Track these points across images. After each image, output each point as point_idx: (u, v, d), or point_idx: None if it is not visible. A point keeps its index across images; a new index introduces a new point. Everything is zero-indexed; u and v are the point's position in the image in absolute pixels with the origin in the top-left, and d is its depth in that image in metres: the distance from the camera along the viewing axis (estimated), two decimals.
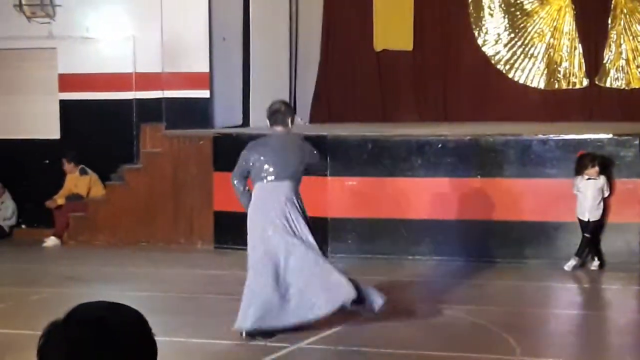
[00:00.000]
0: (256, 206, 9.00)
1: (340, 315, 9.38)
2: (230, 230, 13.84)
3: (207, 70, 15.21)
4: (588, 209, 11.93)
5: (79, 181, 15.08)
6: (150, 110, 15.19)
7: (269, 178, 8.96)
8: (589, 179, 11.90)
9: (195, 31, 15.15)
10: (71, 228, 14.85)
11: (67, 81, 15.57)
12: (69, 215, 14.87)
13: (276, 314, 8.65)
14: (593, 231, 11.94)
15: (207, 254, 13.75)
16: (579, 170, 11.97)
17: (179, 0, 15.17)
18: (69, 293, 11.10)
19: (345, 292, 8.76)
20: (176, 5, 15.12)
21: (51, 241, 14.69)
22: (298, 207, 8.95)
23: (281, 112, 9.20)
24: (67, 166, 15.09)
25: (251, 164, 9.05)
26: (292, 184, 9.02)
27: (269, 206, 8.90)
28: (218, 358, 8.31)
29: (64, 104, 15.66)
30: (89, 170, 15.10)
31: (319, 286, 8.73)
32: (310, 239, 8.88)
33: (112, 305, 2.27)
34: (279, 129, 9.16)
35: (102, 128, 15.32)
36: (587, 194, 11.91)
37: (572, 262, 11.82)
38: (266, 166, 8.97)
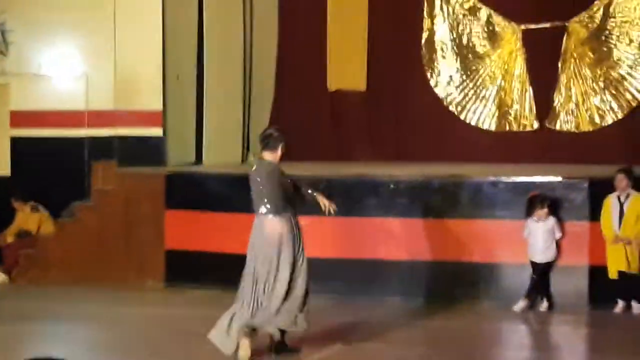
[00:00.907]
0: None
1: (294, 356, 9.38)
2: (182, 269, 13.81)
3: (160, 108, 15.20)
4: (539, 251, 12.05)
5: (29, 218, 14.97)
6: (103, 147, 15.13)
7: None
8: (538, 220, 12.04)
9: (149, 69, 15.14)
10: (21, 265, 14.71)
11: (19, 118, 15.49)
12: (18, 253, 14.73)
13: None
14: (543, 272, 12.04)
15: (158, 292, 13.68)
16: (529, 212, 12.11)
17: (133, 38, 15.15)
18: (16, 331, 10.99)
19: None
20: (129, 44, 15.11)
21: (0, 278, 14.54)
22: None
23: (272, 137, 9.52)
24: (16, 204, 14.98)
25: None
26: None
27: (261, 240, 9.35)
28: None
29: (15, 140, 15.56)
30: (41, 208, 14.99)
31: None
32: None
33: None
34: (265, 154, 9.45)
35: (54, 165, 15.23)
36: (537, 236, 12.04)
37: (522, 304, 11.90)
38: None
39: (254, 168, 9.55)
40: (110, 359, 9.65)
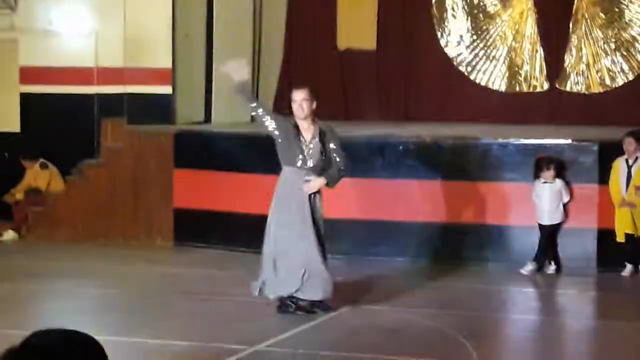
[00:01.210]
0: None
1: (300, 317, 9.43)
2: (190, 228, 13.84)
3: (169, 66, 15.17)
4: (546, 213, 12.04)
5: (38, 175, 14.99)
6: (112, 105, 15.11)
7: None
8: (545, 182, 12.01)
9: (158, 27, 15.10)
10: (30, 222, 14.76)
11: (28, 74, 15.47)
12: (27, 209, 14.77)
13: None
14: (550, 235, 12.03)
15: (166, 251, 13.72)
16: (536, 174, 12.08)
17: None
18: (26, 289, 11.06)
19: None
20: (139, 1, 15.06)
21: (9, 235, 14.59)
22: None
23: None
24: (25, 162, 15.00)
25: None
26: None
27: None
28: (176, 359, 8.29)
29: (24, 96, 15.55)
30: (50, 164, 15.00)
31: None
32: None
33: (70, 333, 2.27)
34: None
35: (63, 122, 15.23)
36: (543, 198, 12.02)
37: (529, 267, 11.92)
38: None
39: None
40: (117, 317, 9.70)
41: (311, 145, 9.61)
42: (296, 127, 9.66)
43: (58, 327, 2.32)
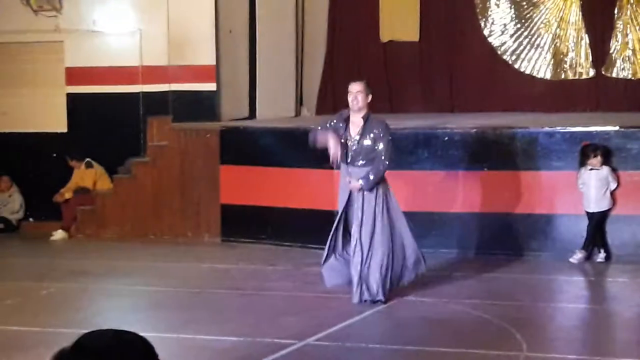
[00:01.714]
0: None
1: (348, 310, 9.45)
2: (237, 224, 13.90)
3: (213, 63, 15.22)
4: (593, 200, 11.94)
5: (85, 174, 15.14)
6: (157, 103, 15.21)
7: None
8: (591, 169, 11.92)
9: (201, 24, 15.15)
10: (79, 221, 14.91)
11: (74, 74, 15.61)
12: (76, 209, 14.92)
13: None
14: (598, 223, 11.94)
15: (214, 247, 13.79)
16: (582, 161, 11.99)
17: None
18: (77, 288, 11.18)
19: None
20: None
21: (59, 235, 14.74)
22: None
23: None
24: (72, 162, 15.16)
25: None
26: None
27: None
28: (226, 355, 8.32)
29: (71, 97, 15.71)
30: (95, 164, 15.15)
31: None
32: None
33: (121, 334, 2.29)
34: None
35: (109, 121, 15.38)
36: (590, 185, 11.93)
37: (579, 255, 11.84)
38: None
39: None
40: (167, 314, 9.76)
41: (355, 141, 9.55)
42: (347, 120, 9.64)
43: (109, 328, 2.35)
